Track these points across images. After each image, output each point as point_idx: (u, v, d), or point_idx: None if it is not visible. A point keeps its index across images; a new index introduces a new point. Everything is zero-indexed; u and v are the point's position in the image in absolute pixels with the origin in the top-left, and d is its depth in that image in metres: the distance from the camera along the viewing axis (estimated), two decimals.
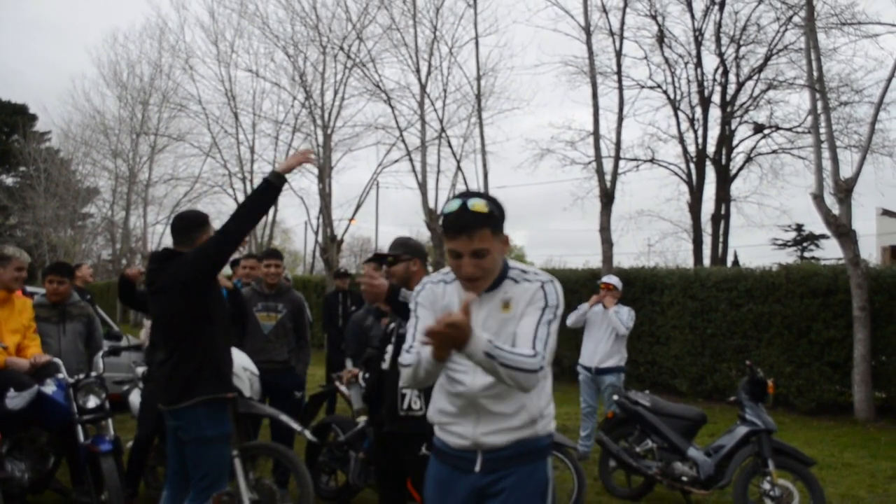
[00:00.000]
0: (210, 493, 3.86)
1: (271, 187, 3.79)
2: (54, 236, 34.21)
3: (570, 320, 7.68)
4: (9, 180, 42.12)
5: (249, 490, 4.53)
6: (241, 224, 3.81)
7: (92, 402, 4.82)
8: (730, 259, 29.73)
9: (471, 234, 2.32)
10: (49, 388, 4.70)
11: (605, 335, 7.40)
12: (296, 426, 4.99)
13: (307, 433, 5.10)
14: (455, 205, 2.35)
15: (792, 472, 5.40)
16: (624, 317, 7.36)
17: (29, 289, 6.31)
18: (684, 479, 5.72)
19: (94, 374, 4.97)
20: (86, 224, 37.65)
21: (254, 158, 23.32)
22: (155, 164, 29.07)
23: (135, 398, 5.90)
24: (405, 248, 3.99)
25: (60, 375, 4.85)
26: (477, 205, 2.34)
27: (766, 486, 5.30)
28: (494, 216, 2.38)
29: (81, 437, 4.77)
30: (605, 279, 7.79)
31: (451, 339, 2.13)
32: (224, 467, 3.98)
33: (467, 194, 2.41)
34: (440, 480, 2.57)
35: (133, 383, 6.08)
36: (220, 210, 28.76)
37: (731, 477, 5.53)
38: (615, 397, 6.45)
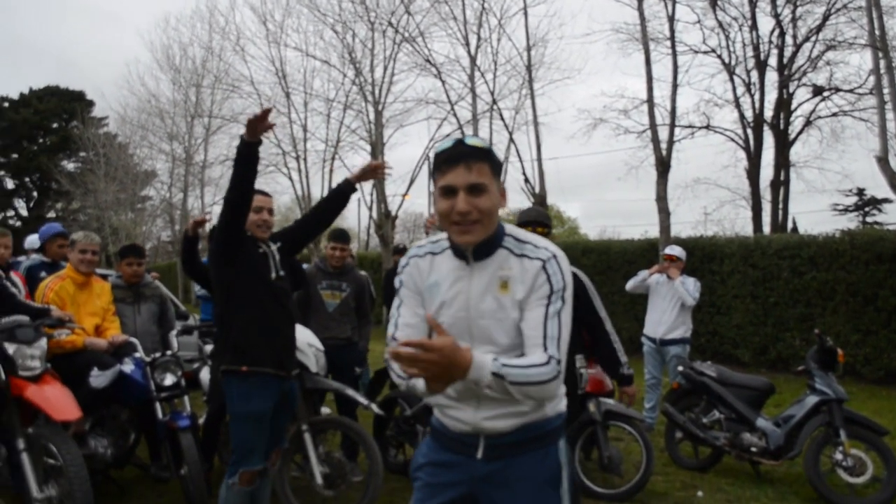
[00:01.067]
0: (237, 468, 3.89)
1: (244, 146, 3.72)
2: (115, 219, 34.97)
3: (629, 285, 7.78)
4: (70, 166, 43.14)
5: (320, 463, 4.65)
6: (230, 190, 3.83)
7: (169, 379, 4.97)
8: (789, 226, 29.15)
9: (468, 164, 2.10)
10: (127, 367, 4.88)
11: (670, 306, 7.36)
12: (363, 400, 5.07)
13: (374, 407, 5.18)
14: (449, 142, 2.17)
15: (865, 441, 5.32)
16: (690, 287, 7.31)
17: (100, 271, 6.48)
18: (753, 449, 5.67)
19: (169, 352, 5.12)
20: (145, 206, 38.40)
21: (306, 137, 23.50)
22: (210, 146, 29.55)
23: (205, 375, 6.06)
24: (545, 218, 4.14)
25: (138, 354, 5.01)
26: (475, 141, 2.16)
27: (839, 456, 5.24)
28: (493, 155, 2.17)
29: (160, 414, 4.92)
30: (668, 250, 7.72)
31: (442, 369, 1.89)
32: (249, 446, 3.89)
33: (462, 137, 2.19)
34: (436, 462, 2.33)
35: (202, 361, 6.25)
36: (274, 189, 29.12)
37: (802, 447, 5.46)
38: (680, 368, 6.41)
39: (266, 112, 3.58)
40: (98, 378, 4.80)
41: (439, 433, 2.34)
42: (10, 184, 46.95)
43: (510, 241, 2.22)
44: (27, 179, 46.55)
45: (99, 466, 4.88)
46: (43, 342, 4.37)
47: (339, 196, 4.32)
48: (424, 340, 1.89)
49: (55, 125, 45.56)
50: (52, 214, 44.00)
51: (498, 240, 2.21)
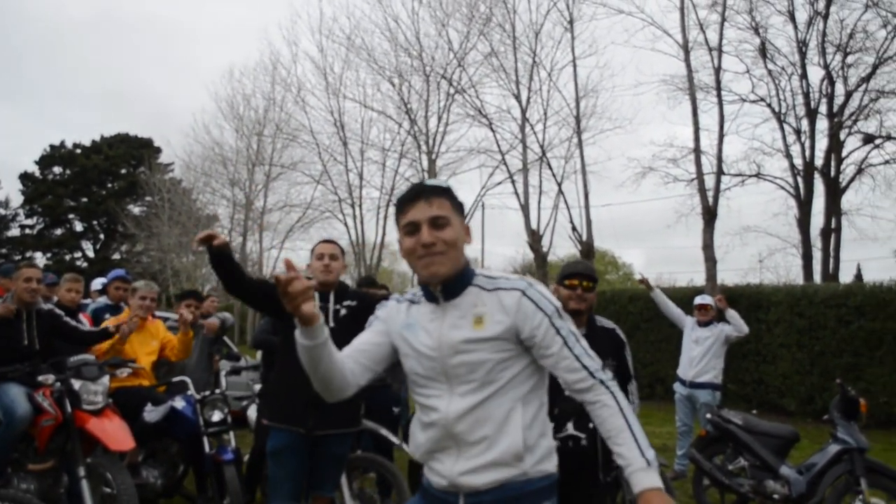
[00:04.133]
0: (271, 502, 4.20)
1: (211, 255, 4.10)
2: (177, 262, 36.03)
3: (665, 308, 8.06)
4: (136, 210, 44.71)
5: (353, 499, 4.93)
6: None
7: (216, 416, 5.35)
8: (852, 273, 28.61)
9: (429, 199, 2.16)
10: (179, 403, 5.27)
11: (702, 349, 7.60)
12: (395, 440, 5.37)
13: (405, 446, 5.45)
14: (410, 185, 2.28)
15: (886, 490, 5.38)
16: (736, 321, 7.63)
17: (160, 314, 6.94)
18: (776, 496, 5.78)
19: (217, 390, 5.51)
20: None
21: (362, 184, 24.19)
22: (269, 192, 30.35)
23: (252, 413, 6.44)
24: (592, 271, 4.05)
25: (189, 392, 5.42)
26: (434, 181, 2.25)
27: None
28: (453, 193, 2.25)
29: (207, 448, 5.28)
30: (699, 299, 7.96)
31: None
32: (273, 482, 4.16)
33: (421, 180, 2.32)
34: None
35: (251, 399, 6.63)
36: (330, 235, 29.83)
37: (823, 495, 5.55)
38: (708, 416, 6.56)
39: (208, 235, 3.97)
40: (151, 413, 5.22)
41: (425, 490, 2.31)
42: (79, 226, 48.90)
43: (481, 279, 2.24)
44: (95, 223, 48.41)
45: (150, 495, 5.26)
46: (105, 379, 4.81)
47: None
48: None
49: (123, 171, 47.43)
50: (116, 256, 45.59)
51: (467, 278, 2.23)
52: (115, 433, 4.57)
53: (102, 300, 6.88)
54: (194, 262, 37.43)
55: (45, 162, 47.74)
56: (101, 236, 48.84)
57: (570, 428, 3.56)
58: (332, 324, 4.18)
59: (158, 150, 45.78)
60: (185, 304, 6.26)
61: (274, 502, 4.14)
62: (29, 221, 48.05)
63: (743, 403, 12.61)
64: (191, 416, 5.26)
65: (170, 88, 79.59)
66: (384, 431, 5.35)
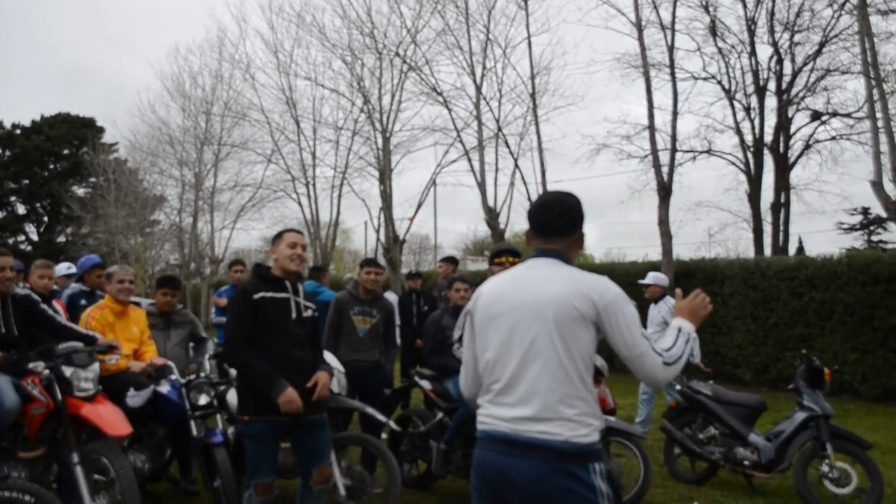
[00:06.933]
0: (251, 481, 4.28)
1: None
2: (125, 243, 35.32)
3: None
4: (80, 191, 43.45)
5: (343, 476, 5.02)
6: None
7: (203, 399, 5.34)
8: (794, 246, 29.40)
9: None
10: (164, 387, 5.26)
11: (653, 329, 8.10)
12: (382, 418, 5.47)
13: (392, 424, 5.56)
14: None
15: (850, 455, 5.67)
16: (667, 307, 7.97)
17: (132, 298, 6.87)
18: (746, 463, 6.04)
19: (203, 374, 5.50)
20: (154, 231, 38.74)
21: (315, 163, 23.96)
22: (220, 172, 29.84)
23: (231, 397, 6.43)
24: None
25: (174, 376, 5.40)
26: None
27: (825, 468, 5.59)
28: None
29: (194, 431, 5.29)
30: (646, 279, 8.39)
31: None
32: (254, 462, 4.26)
33: None
34: None
35: (229, 383, 6.62)
36: (283, 214, 29.56)
37: (791, 460, 5.83)
38: (678, 387, 6.77)
39: None
40: (134, 398, 5.20)
41: None
42: (21, 209, 47.49)
43: None
44: (38, 205, 47.03)
45: (137, 480, 5.24)
46: (96, 366, 4.77)
47: None
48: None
49: (66, 151, 46.08)
50: (62, 239, 44.50)
51: None
52: (112, 418, 4.55)
53: (77, 286, 6.79)
54: (143, 243, 36.78)
55: None
56: (45, 219, 47.48)
57: None
58: (293, 315, 4.33)
59: (101, 130, 44.60)
60: (163, 293, 6.16)
61: (255, 478, 4.24)
62: None
63: (700, 375, 12.95)
64: (177, 400, 5.25)
65: (116, 67, 77.52)
66: (370, 411, 5.44)
